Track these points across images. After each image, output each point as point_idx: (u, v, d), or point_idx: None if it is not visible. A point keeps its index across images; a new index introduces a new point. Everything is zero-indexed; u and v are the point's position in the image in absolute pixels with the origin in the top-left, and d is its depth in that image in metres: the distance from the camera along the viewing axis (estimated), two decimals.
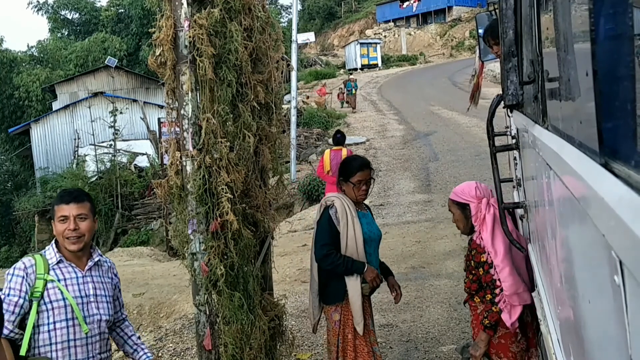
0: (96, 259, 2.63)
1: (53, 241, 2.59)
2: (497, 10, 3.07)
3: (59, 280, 2.48)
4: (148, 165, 20.14)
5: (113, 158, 19.84)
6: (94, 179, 19.45)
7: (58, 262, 2.52)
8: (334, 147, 8.74)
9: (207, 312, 3.13)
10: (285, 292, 6.05)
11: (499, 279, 2.81)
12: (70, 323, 2.46)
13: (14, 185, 28.82)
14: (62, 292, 2.46)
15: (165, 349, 5.58)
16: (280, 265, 7.09)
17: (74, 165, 21.80)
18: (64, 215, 2.51)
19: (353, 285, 3.30)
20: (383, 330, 5.18)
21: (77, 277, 2.54)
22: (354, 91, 25.57)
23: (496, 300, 2.81)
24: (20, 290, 2.41)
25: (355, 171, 3.43)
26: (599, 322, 1.07)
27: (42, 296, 2.43)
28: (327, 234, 3.32)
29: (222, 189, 2.99)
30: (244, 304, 3.11)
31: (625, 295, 0.80)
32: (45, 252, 2.57)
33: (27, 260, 2.51)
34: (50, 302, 2.43)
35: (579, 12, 1.15)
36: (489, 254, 2.86)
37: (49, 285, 2.45)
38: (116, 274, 2.78)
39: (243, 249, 3.14)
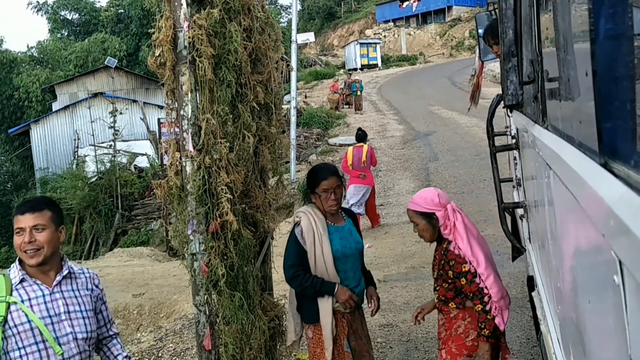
0: (65, 272, 2.41)
1: (17, 258, 2.37)
2: (496, 10, 3.07)
3: (22, 301, 2.27)
4: (148, 165, 20.12)
5: (113, 158, 19.82)
6: (93, 179, 19.43)
7: (21, 281, 2.32)
8: (356, 144, 9.42)
9: (207, 312, 3.13)
10: (285, 292, 6.03)
11: (485, 287, 2.81)
12: (42, 346, 2.26)
13: (13, 185, 28.80)
14: (26, 315, 2.26)
15: (165, 349, 5.58)
16: (280, 265, 7.07)
17: (74, 166, 21.80)
18: (19, 227, 2.30)
19: (324, 307, 3.12)
20: (383, 330, 5.18)
21: (43, 295, 2.32)
22: (359, 92, 24.27)
23: (487, 308, 2.81)
24: None
25: (319, 180, 3.17)
26: (598, 321, 1.07)
27: (5, 321, 2.23)
28: (294, 253, 3.16)
29: (222, 189, 2.99)
30: (244, 304, 3.11)
31: (624, 294, 0.80)
32: (9, 271, 2.36)
33: None
34: (15, 326, 2.24)
35: (579, 12, 1.15)
36: (470, 263, 2.84)
37: (12, 307, 2.25)
38: (97, 285, 2.55)
39: (243, 249, 3.14)
